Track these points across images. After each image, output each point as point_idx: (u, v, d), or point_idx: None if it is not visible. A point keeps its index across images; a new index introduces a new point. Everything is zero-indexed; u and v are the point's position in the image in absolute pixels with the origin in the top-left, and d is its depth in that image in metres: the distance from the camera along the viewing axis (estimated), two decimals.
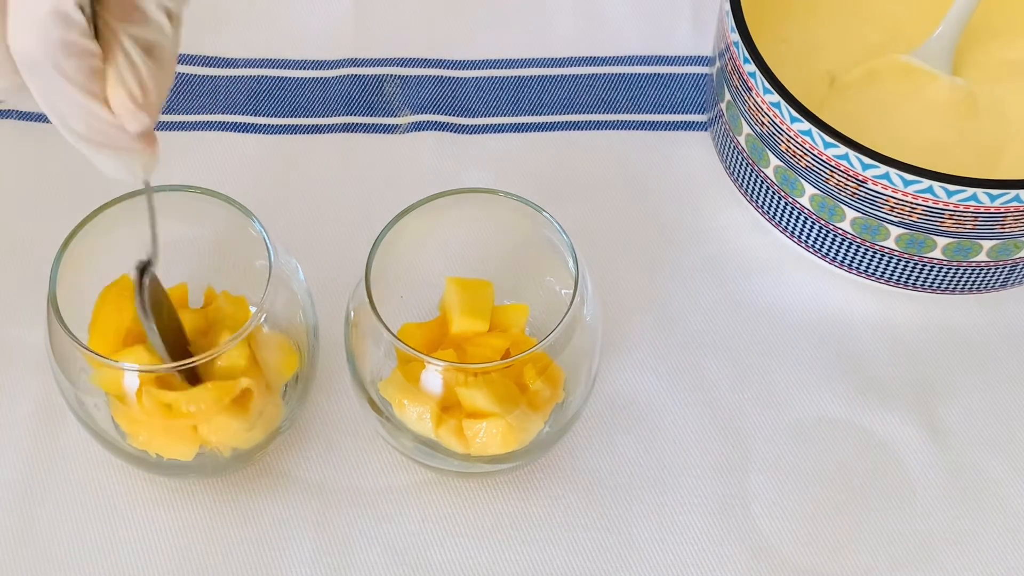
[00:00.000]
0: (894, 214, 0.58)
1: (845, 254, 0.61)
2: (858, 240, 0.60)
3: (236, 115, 0.70)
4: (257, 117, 0.70)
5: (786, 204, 0.61)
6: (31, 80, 0.42)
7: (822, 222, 0.60)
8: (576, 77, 0.72)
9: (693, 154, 0.69)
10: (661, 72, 0.72)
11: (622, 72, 0.72)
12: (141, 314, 0.51)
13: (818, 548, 0.57)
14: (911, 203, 0.57)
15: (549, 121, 0.71)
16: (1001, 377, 0.62)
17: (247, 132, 0.69)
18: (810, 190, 0.59)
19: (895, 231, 0.58)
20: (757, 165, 0.62)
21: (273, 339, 0.54)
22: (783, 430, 0.60)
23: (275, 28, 0.74)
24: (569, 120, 0.71)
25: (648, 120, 0.71)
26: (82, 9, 0.40)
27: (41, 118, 0.69)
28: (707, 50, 0.73)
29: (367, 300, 0.52)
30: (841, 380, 0.62)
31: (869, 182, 0.57)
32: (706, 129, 0.70)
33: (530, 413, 0.54)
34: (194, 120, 0.70)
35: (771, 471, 0.59)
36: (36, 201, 0.66)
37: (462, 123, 0.70)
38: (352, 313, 0.55)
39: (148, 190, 0.49)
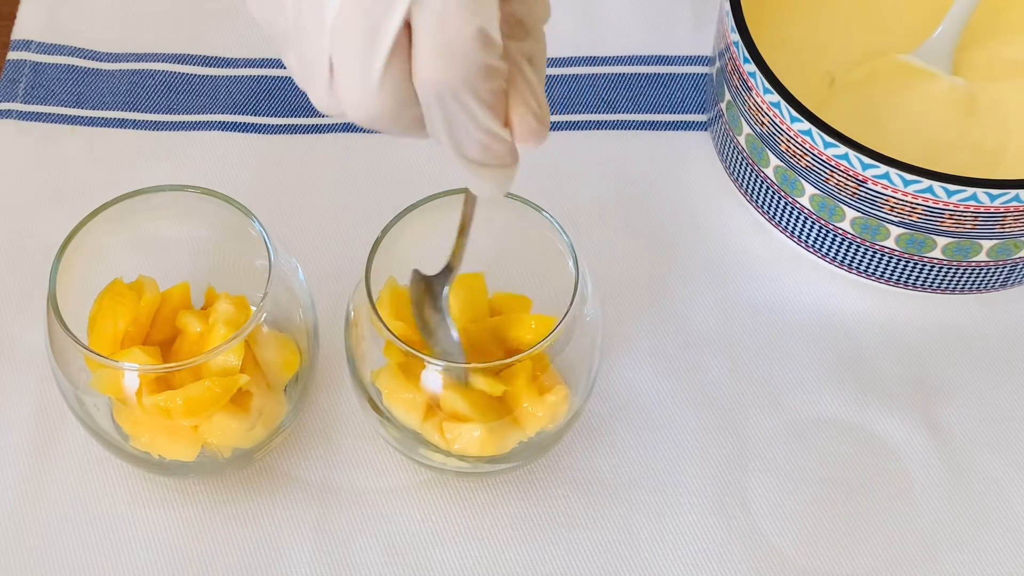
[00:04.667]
0: (894, 214, 0.58)
1: (845, 254, 0.61)
2: (858, 240, 0.60)
3: (236, 115, 0.70)
4: (257, 117, 0.70)
5: (786, 204, 0.61)
6: (435, 110, 0.40)
7: (822, 222, 0.60)
8: (576, 77, 0.72)
9: (693, 154, 0.69)
10: (661, 72, 0.72)
11: (622, 72, 0.72)
12: (437, 317, 0.52)
13: (818, 548, 0.57)
14: (911, 203, 0.57)
15: None
16: (1001, 377, 0.62)
17: (247, 132, 0.69)
18: (810, 190, 0.59)
19: (895, 231, 0.58)
20: (757, 165, 0.62)
21: (273, 339, 0.54)
22: (783, 430, 0.60)
23: None
24: (569, 120, 0.71)
25: (648, 120, 0.71)
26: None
27: (41, 118, 0.69)
28: (707, 50, 0.73)
29: (367, 300, 0.52)
30: (841, 380, 0.62)
31: (869, 182, 0.57)
32: (706, 129, 0.70)
33: (512, 426, 0.54)
34: (194, 120, 0.70)
35: (771, 471, 0.59)
36: (36, 201, 0.66)
37: None
38: (352, 313, 0.54)
39: (468, 200, 0.50)
